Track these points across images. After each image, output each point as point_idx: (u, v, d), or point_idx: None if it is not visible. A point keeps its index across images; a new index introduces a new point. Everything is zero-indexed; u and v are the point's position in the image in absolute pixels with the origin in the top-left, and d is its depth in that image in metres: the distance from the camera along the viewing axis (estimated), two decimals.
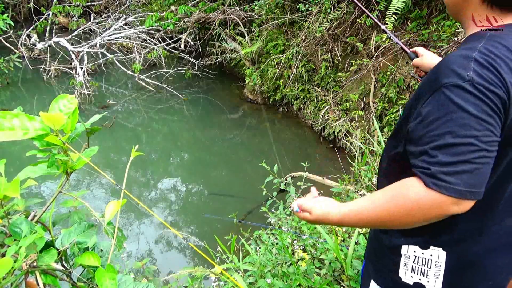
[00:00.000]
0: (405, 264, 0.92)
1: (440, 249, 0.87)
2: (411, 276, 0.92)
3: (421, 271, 0.90)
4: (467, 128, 0.71)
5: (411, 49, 1.36)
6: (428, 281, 0.89)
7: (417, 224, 0.78)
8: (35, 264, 0.83)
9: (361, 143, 3.83)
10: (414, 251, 0.90)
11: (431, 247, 0.88)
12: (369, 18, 4.20)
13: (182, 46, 6.98)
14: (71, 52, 6.42)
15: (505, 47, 0.75)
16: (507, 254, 0.91)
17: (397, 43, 1.40)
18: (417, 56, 1.33)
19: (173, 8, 6.96)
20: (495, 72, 0.72)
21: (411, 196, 0.76)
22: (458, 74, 0.73)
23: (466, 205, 0.74)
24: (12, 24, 6.97)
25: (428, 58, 1.29)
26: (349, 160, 3.23)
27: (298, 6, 5.20)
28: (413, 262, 0.91)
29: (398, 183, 0.80)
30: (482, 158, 0.72)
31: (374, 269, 1.03)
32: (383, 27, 1.43)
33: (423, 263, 0.89)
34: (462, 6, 0.86)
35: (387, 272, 0.97)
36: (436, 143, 0.73)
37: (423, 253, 0.89)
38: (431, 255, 0.88)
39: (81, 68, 6.10)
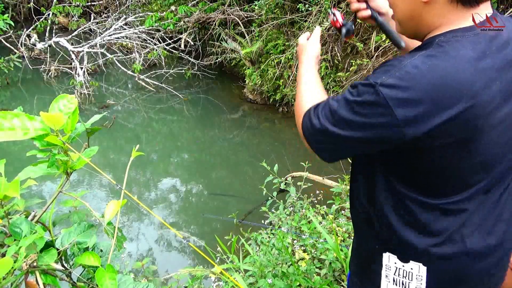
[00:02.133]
0: (386, 276, 0.90)
1: (420, 264, 0.85)
2: None
3: (402, 284, 0.88)
4: (345, 108, 0.78)
5: None
6: None
7: (298, 129, 0.94)
8: (35, 264, 0.83)
9: None
10: (395, 263, 0.88)
11: (411, 261, 0.86)
12: None
13: (182, 46, 6.98)
14: (71, 52, 6.43)
15: (445, 61, 0.72)
16: (493, 271, 0.89)
17: None
18: None
19: (173, 8, 6.96)
20: (406, 89, 0.71)
21: (301, 105, 0.97)
22: (378, 75, 0.75)
23: (307, 146, 0.89)
24: (12, 24, 6.97)
25: None
26: (349, 160, 3.22)
27: (298, 6, 5.20)
28: (394, 274, 0.89)
29: (320, 97, 0.95)
30: (331, 133, 0.81)
31: (359, 280, 1.01)
32: None
33: (404, 275, 0.88)
34: (421, 15, 0.79)
35: (371, 283, 0.96)
36: (330, 99, 0.84)
37: (403, 266, 0.87)
38: (411, 269, 0.87)
39: (81, 68, 6.10)
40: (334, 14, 1.04)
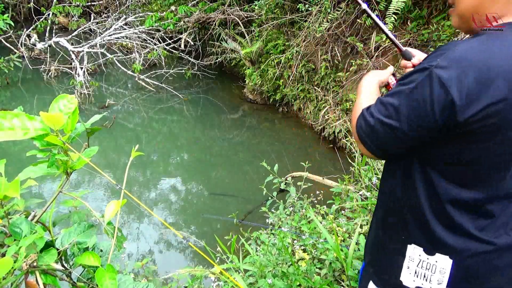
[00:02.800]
0: (408, 267, 0.91)
1: (447, 256, 0.86)
2: (413, 280, 0.91)
3: (424, 276, 0.89)
4: (398, 98, 0.81)
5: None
6: (430, 286, 0.89)
7: (353, 134, 0.93)
8: (35, 264, 0.83)
9: None
10: (419, 255, 0.89)
11: (437, 254, 0.87)
12: (369, 18, 4.21)
13: (182, 46, 6.98)
14: (71, 52, 6.43)
15: (498, 46, 0.74)
16: None
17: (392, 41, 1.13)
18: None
19: (173, 8, 6.96)
20: (459, 70, 0.73)
21: (356, 111, 0.94)
22: (432, 59, 0.78)
23: (361, 148, 0.90)
24: (12, 24, 6.98)
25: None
26: (349, 160, 3.23)
27: (298, 6, 5.20)
28: (417, 266, 0.90)
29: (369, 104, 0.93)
30: (385, 126, 0.82)
31: (374, 271, 1.02)
32: (380, 23, 1.12)
33: (427, 267, 0.88)
34: (485, 8, 0.82)
35: (388, 274, 0.96)
36: (382, 97, 0.87)
37: (428, 258, 0.88)
38: (436, 261, 0.87)
39: (81, 68, 6.10)
40: (387, 84, 1.11)
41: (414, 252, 0.90)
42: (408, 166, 0.88)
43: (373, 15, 1.11)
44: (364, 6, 1.12)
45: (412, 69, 0.84)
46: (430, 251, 0.88)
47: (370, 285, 1.02)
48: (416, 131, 0.80)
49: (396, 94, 0.82)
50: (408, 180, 0.89)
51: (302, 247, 2.16)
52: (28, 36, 7.26)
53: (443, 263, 0.87)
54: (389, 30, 1.11)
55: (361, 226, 2.15)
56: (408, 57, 1.09)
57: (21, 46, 7.07)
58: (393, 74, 1.10)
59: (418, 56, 1.10)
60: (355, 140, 0.91)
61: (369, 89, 1.01)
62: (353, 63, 4.73)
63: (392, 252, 0.95)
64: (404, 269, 0.92)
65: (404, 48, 1.10)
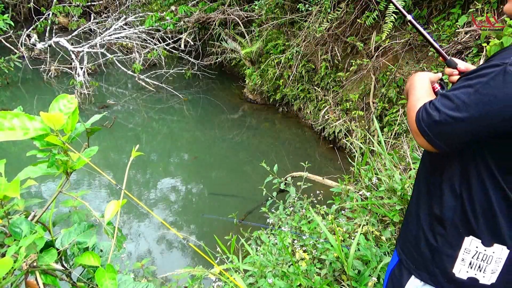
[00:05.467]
0: (463, 260, 0.93)
1: (505, 247, 0.88)
2: (467, 271, 0.92)
3: (479, 267, 0.91)
4: (466, 92, 0.81)
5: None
6: (483, 276, 0.91)
7: (411, 126, 0.94)
8: (35, 264, 0.83)
9: (361, 143, 3.82)
10: (477, 247, 0.90)
11: (495, 244, 0.89)
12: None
13: (182, 46, 6.98)
14: (71, 52, 6.43)
15: None
16: None
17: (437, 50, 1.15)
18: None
19: (173, 8, 6.97)
20: None
21: (414, 104, 0.95)
22: (503, 57, 0.79)
23: (420, 141, 0.90)
24: (12, 24, 6.98)
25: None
26: (349, 160, 3.23)
27: (298, 6, 5.20)
28: (472, 258, 0.91)
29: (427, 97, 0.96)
30: (452, 119, 0.82)
31: (417, 266, 1.02)
32: (426, 35, 1.15)
33: (483, 259, 0.90)
34: None
35: (438, 267, 0.97)
36: (445, 92, 0.88)
37: (485, 250, 0.90)
38: (493, 252, 0.89)
39: (81, 68, 6.10)
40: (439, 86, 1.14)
41: (471, 244, 0.91)
42: (471, 160, 0.89)
43: (419, 27, 1.13)
44: (409, 17, 1.15)
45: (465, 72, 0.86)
46: (488, 243, 0.89)
47: (412, 280, 1.03)
48: (484, 126, 0.81)
49: (463, 88, 0.83)
50: (469, 175, 0.89)
51: (303, 247, 2.16)
52: (28, 36, 7.27)
53: (500, 253, 0.89)
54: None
55: (361, 227, 2.15)
56: (453, 65, 1.12)
57: (21, 46, 7.07)
58: (440, 80, 1.11)
59: (461, 64, 1.12)
60: (413, 132, 0.92)
61: (423, 85, 1.03)
62: (353, 63, 4.73)
63: (444, 245, 0.96)
64: (457, 261, 0.93)
65: (449, 57, 1.13)
